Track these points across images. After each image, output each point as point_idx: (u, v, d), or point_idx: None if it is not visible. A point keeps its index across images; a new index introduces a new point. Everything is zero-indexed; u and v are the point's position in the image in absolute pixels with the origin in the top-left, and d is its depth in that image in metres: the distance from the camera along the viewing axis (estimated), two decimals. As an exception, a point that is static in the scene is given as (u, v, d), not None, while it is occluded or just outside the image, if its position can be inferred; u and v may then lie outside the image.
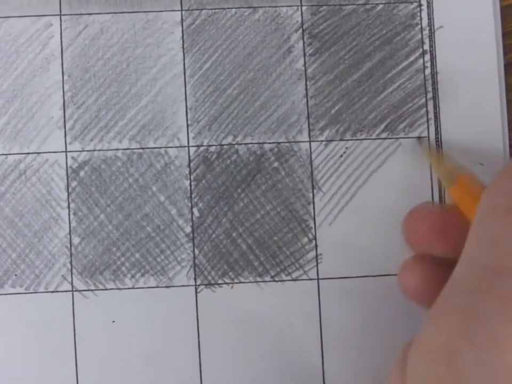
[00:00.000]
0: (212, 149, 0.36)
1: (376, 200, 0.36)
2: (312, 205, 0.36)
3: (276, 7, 0.37)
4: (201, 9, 0.37)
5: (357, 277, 0.36)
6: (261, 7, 0.37)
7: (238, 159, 0.36)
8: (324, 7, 0.37)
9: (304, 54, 0.37)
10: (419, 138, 0.36)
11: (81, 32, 0.36)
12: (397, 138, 0.36)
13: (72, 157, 0.36)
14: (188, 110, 0.36)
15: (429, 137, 0.36)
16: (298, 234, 0.36)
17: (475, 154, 0.36)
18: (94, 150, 0.36)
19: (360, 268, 0.36)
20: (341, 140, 0.36)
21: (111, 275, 0.36)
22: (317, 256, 0.36)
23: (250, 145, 0.36)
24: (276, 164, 0.36)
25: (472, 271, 0.21)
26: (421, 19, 0.37)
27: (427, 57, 0.37)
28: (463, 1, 0.37)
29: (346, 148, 0.36)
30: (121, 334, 0.35)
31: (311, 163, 0.36)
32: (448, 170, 0.32)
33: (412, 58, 0.37)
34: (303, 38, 0.37)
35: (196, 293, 0.36)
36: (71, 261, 0.36)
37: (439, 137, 0.36)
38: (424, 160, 0.36)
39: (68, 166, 0.36)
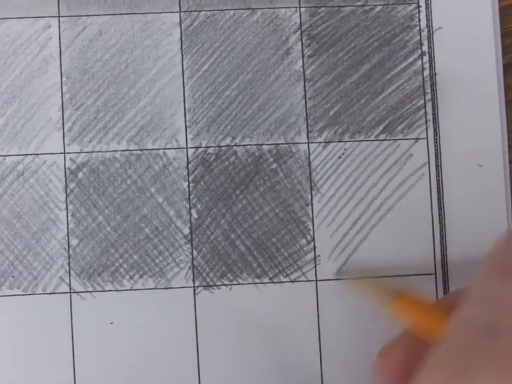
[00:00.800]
0: (210, 150, 0.36)
1: (375, 202, 0.36)
2: (310, 206, 0.36)
3: (274, 8, 0.37)
4: (200, 11, 0.37)
5: (356, 278, 0.36)
6: (259, 8, 0.37)
7: (236, 160, 0.36)
8: (322, 8, 0.37)
9: (303, 56, 0.37)
10: (337, 272, 0.36)
11: (80, 33, 0.36)
12: (396, 139, 0.36)
13: (71, 159, 0.36)
14: (186, 112, 0.36)
15: (427, 139, 0.36)
16: (297, 235, 0.36)
17: (474, 155, 0.36)
18: (93, 152, 0.36)
19: (358, 270, 0.36)
20: (340, 141, 0.36)
21: (109, 276, 0.36)
22: (315, 257, 0.36)
23: (248, 146, 0.36)
24: (274, 165, 0.36)
25: (465, 329, 0.20)
26: (419, 20, 0.37)
27: (426, 58, 0.37)
28: (461, 3, 0.37)
29: (344, 149, 0.36)
30: (119, 335, 0.35)
31: (309, 164, 0.36)
32: (383, 290, 0.32)
33: (410, 60, 0.37)
34: (301, 40, 0.37)
35: (194, 294, 0.36)
36: (69, 262, 0.36)
37: (438, 139, 0.36)
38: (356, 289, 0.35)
39: (66, 167, 0.36)
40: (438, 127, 0.36)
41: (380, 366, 0.29)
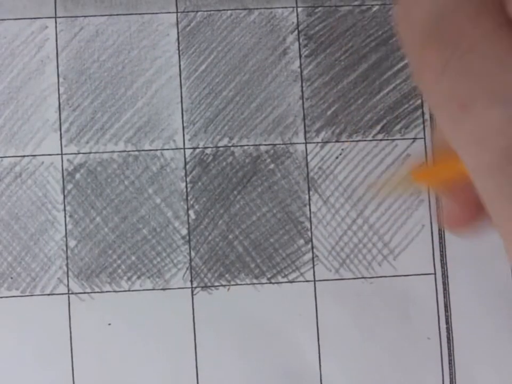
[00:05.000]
0: (208, 151, 0.36)
1: (373, 202, 0.36)
2: (308, 206, 0.36)
3: (271, 8, 0.37)
4: (197, 11, 0.37)
5: (354, 278, 0.36)
6: (257, 8, 0.37)
7: (234, 161, 0.36)
8: (320, 8, 0.37)
9: (300, 56, 0.36)
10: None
11: (77, 34, 0.36)
12: (393, 139, 0.36)
13: (68, 160, 0.36)
14: (184, 112, 0.36)
15: (425, 138, 0.36)
16: (295, 236, 0.36)
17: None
18: (90, 153, 0.36)
19: (356, 270, 0.36)
20: (337, 141, 0.36)
21: (107, 278, 0.36)
22: (313, 258, 0.36)
23: (246, 147, 0.36)
24: (271, 166, 0.36)
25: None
26: (416, 20, 0.37)
27: (423, 58, 0.37)
28: (459, 2, 0.37)
29: (342, 149, 0.36)
30: (117, 336, 0.35)
31: (307, 165, 0.36)
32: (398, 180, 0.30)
33: (407, 60, 0.37)
34: (298, 40, 0.37)
35: (192, 295, 0.36)
36: (67, 263, 0.36)
37: (436, 138, 0.36)
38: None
39: (64, 168, 0.36)
40: (436, 126, 0.36)
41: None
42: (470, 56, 0.16)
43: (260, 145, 0.36)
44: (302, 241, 0.36)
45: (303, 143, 0.36)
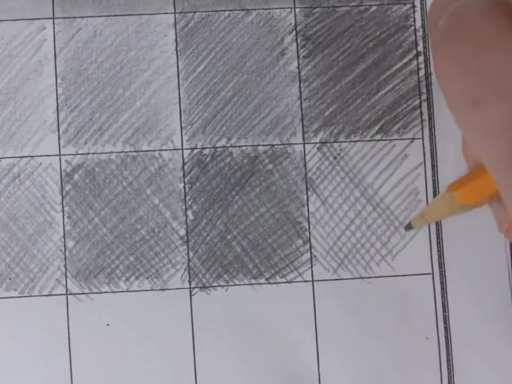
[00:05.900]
0: (206, 151, 0.36)
1: (370, 202, 0.36)
2: (306, 207, 0.36)
3: (269, 9, 0.37)
4: (195, 12, 0.37)
5: (352, 278, 0.36)
6: (254, 9, 0.37)
7: (232, 161, 0.36)
8: (318, 9, 0.37)
9: (298, 56, 0.37)
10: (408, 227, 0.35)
11: (75, 35, 0.36)
12: (391, 140, 0.36)
13: (66, 160, 0.36)
14: (182, 113, 0.36)
15: (423, 139, 0.36)
16: (293, 236, 0.36)
17: (470, 155, 0.36)
18: (88, 153, 0.36)
19: (354, 270, 0.36)
20: (335, 141, 0.36)
21: (105, 278, 0.36)
22: (311, 258, 0.36)
23: (244, 147, 0.36)
24: (270, 166, 0.36)
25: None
26: (414, 20, 0.37)
27: (421, 58, 0.37)
28: (456, 3, 0.37)
29: (340, 149, 0.36)
30: (115, 337, 0.35)
31: (305, 165, 0.36)
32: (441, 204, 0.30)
33: (405, 60, 0.37)
34: (296, 40, 0.37)
35: (191, 295, 0.36)
36: (65, 264, 0.36)
37: (433, 139, 0.36)
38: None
39: (62, 169, 0.36)
40: (434, 127, 0.36)
41: None
42: (481, 54, 0.17)
43: (258, 145, 0.36)
44: (300, 242, 0.36)
45: (301, 143, 0.36)
